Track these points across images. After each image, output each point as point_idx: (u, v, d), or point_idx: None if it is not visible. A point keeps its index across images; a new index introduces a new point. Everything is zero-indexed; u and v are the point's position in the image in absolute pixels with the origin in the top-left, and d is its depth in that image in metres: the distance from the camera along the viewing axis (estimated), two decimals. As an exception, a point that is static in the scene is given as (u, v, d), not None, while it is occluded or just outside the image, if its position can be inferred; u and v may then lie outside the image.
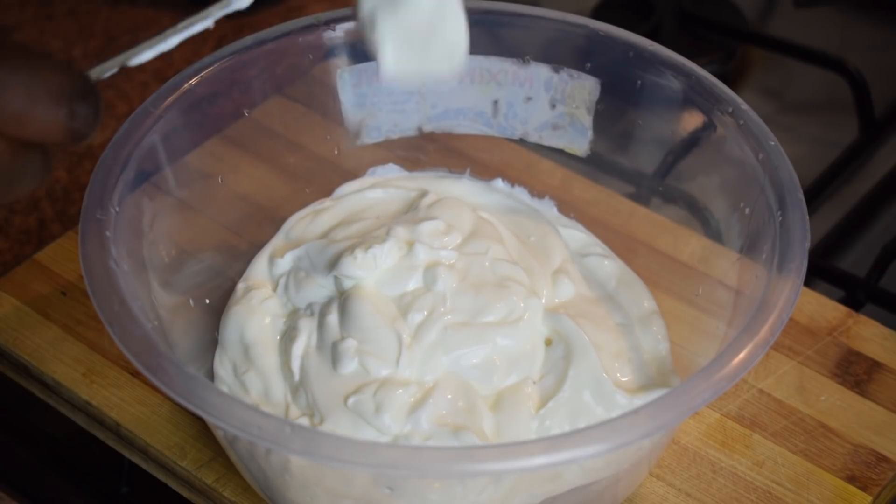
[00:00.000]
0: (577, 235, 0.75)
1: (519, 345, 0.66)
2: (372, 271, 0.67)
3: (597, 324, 0.68)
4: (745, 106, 0.67)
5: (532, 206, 0.76)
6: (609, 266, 0.73)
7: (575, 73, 0.72)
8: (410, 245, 0.68)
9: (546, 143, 0.75)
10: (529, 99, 0.74)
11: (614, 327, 0.69)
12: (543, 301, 0.68)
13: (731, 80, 0.97)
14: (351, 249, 0.68)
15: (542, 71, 0.73)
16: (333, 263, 0.68)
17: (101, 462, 0.71)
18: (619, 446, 0.53)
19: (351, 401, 0.63)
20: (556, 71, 0.73)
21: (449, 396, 0.63)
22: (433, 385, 0.64)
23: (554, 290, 0.70)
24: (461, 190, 0.76)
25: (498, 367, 0.65)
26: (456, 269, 0.68)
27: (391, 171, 0.78)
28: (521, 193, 0.77)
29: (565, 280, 0.70)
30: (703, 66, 0.69)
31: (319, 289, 0.68)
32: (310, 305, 0.68)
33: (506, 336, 0.66)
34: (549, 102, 0.74)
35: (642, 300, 0.72)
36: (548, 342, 0.67)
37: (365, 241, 0.68)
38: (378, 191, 0.75)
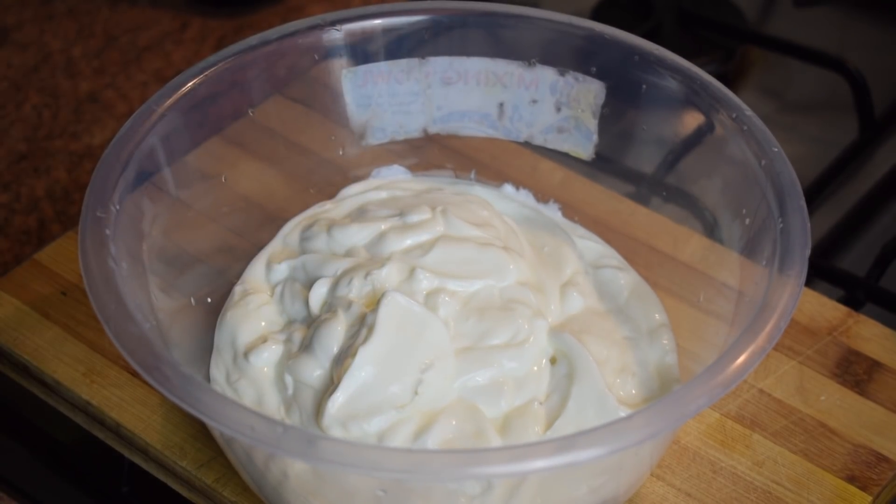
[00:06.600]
0: (592, 247, 0.74)
1: (525, 366, 0.65)
2: (370, 298, 0.66)
3: (602, 338, 0.68)
4: (749, 111, 0.67)
5: (548, 216, 0.76)
6: (623, 278, 0.72)
7: (580, 76, 0.72)
8: (412, 271, 0.67)
9: (551, 146, 0.74)
10: (535, 101, 0.74)
11: (621, 341, 0.69)
12: (550, 319, 0.68)
13: (731, 79, 0.98)
14: (348, 275, 0.67)
15: (547, 74, 0.73)
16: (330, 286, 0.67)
17: (101, 462, 0.71)
18: (616, 450, 0.53)
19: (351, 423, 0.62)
20: (562, 74, 0.72)
21: (454, 422, 0.62)
22: (440, 409, 0.62)
23: (562, 303, 0.70)
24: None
25: (505, 389, 0.64)
26: (459, 295, 0.67)
27: (396, 173, 0.77)
28: (525, 197, 0.77)
29: (574, 293, 0.70)
30: (702, 66, 0.69)
31: None
32: (306, 318, 0.67)
33: (512, 358, 0.65)
34: (555, 105, 0.73)
35: (653, 313, 0.71)
36: (553, 361, 0.66)
37: (363, 265, 0.67)
38: (382, 193, 0.75)
